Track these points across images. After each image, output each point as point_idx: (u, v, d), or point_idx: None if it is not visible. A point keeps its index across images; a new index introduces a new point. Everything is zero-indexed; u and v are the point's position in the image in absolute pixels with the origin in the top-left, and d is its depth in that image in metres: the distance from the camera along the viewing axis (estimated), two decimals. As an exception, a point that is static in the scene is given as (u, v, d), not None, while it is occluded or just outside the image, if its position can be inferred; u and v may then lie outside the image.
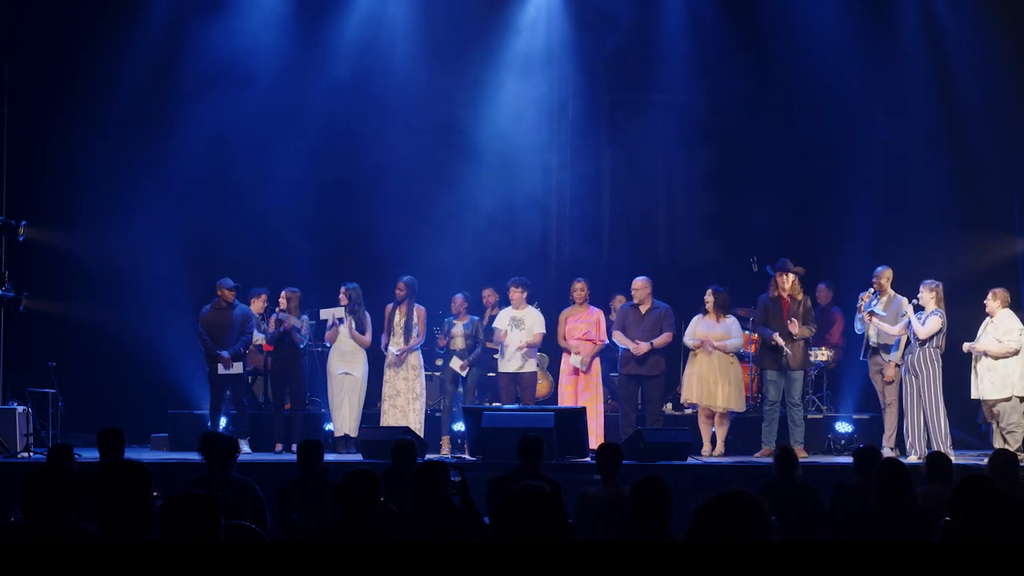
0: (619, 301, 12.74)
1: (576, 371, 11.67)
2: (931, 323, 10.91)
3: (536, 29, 14.08)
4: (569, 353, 11.74)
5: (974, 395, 11.10)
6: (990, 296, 11.03)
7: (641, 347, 11.51)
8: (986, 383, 10.91)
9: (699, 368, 11.55)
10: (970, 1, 13.37)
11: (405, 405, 11.64)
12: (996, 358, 10.88)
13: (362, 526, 5.11)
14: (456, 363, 11.84)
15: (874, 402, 11.97)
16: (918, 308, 11.07)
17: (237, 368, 11.61)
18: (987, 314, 11.03)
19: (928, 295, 11.03)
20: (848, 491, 7.16)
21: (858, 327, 11.44)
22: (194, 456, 10.49)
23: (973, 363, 11.11)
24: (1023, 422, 10.81)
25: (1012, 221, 13.17)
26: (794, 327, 11.38)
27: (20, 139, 13.08)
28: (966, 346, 11.07)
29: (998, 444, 10.65)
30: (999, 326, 10.91)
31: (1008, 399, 10.83)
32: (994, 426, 11.02)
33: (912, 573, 3.12)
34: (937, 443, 10.76)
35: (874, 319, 11.23)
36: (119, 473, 4.19)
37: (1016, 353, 10.84)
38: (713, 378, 11.49)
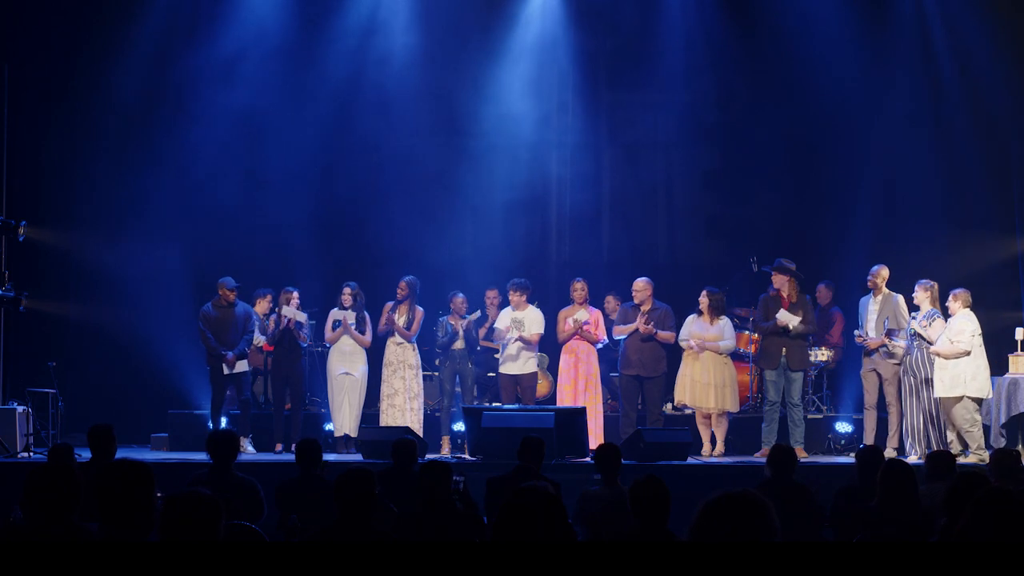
0: (609, 302, 12.71)
1: (576, 371, 11.66)
2: (939, 329, 10.89)
3: (536, 28, 14.08)
4: (570, 354, 11.73)
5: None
6: (951, 297, 10.97)
7: (647, 327, 11.47)
8: (938, 382, 10.87)
9: (691, 369, 11.54)
10: (969, 2, 13.36)
11: (403, 404, 11.63)
12: (947, 359, 10.86)
13: (358, 525, 5.11)
14: (459, 323, 11.82)
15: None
16: (914, 308, 11.07)
17: (241, 367, 11.61)
18: (948, 314, 10.99)
19: (923, 295, 11.03)
20: (849, 491, 7.16)
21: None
22: (194, 456, 10.55)
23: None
24: (978, 420, 10.79)
25: (1012, 221, 13.17)
26: (782, 316, 11.35)
27: (20, 139, 13.08)
28: (929, 348, 11.01)
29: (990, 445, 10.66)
30: (952, 327, 10.86)
31: (959, 399, 10.80)
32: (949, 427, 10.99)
33: (911, 573, 3.12)
34: (937, 443, 10.77)
35: (891, 342, 11.18)
36: (122, 472, 4.19)
37: (967, 354, 10.80)
38: (705, 379, 11.47)
